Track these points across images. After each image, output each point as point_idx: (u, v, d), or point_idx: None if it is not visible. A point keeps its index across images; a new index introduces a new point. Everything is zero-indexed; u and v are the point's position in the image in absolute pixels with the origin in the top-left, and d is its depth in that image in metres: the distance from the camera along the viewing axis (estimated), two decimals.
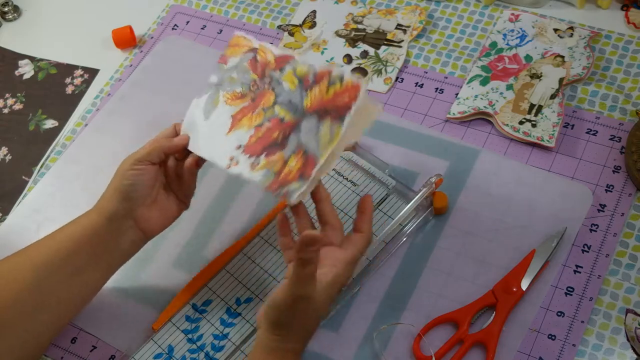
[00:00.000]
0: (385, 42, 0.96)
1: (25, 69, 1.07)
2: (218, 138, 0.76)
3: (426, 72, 0.92)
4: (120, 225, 0.74)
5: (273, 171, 0.71)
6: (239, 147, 0.74)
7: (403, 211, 0.78)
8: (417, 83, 0.92)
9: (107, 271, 0.76)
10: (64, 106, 1.01)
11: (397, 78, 0.92)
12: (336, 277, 0.67)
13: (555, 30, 0.92)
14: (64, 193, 0.92)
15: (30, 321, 0.72)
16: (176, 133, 0.78)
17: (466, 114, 0.86)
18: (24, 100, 1.03)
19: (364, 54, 0.95)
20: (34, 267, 0.72)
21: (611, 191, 0.79)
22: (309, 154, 0.70)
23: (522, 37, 0.92)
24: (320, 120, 0.70)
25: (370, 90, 0.92)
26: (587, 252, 0.76)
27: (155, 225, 0.77)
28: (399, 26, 0.97)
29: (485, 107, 0.86)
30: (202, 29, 1.04)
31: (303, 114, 0.71)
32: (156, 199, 0.76)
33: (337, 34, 0.98)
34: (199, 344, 0.76)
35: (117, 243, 0.75)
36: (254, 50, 0.77)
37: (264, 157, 0.72)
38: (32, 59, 1.08)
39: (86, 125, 0.97)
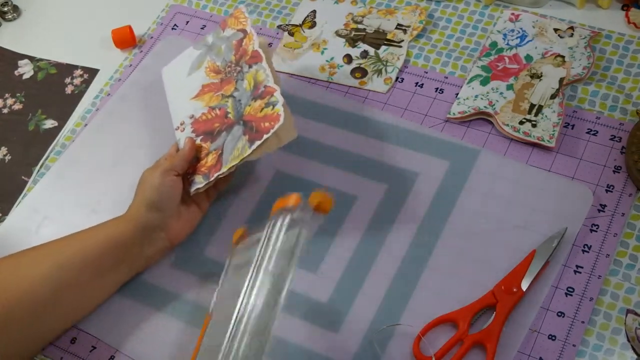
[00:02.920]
0: (385, 42, 0.96)
1: (25, 69, 1.07)
2: (184, 97, 0.87)
3: (426, 72, 0.92)
4: (151, 235, 0.78)
5: (197, 156, 0.82)
6: (191, 117, 0.85)
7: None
8: (417, 83, 0.92)
9: (125, 274, 0.79)
10: (64, 106, 1.01)
11: (397, 78, 0.92)
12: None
13: (556, 30, 0.92)
14: (63, 193, 0.92)
15: (41, 318, 0.73)
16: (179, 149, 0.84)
17: (466, 114, 0.86)
18: (23, 100, 1.03)
19: (364, 54, 0.95)
20: (53, 266, 0.74)
21: (611, 191, 0.79)
22: (221, 157, 0.79)
23: (523, 37, 0.92)
24: (244, 133, 0.78)
25: (370, 91, 0.92)
26: (588, 252, 0.76)
27: (182, 234, 0.81)
28: (399, 26, 0.97)
29: (485, 107, 0.86)
30: (202, 29, 1.04)
31: (239, 118, 0.80)
32: (181, 209, 0.80)
33: (337, 33, 0.98)
34: None
35: (143, 251, 0.78)
36: (244, 32, 0.84)
37: (199, 140, 0.83)
38: (31, 58, 1.07)
39: (86, 125, 0.97)
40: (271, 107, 0.77)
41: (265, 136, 0.75)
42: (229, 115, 0.81)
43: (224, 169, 0.78)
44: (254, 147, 0.76)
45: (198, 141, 0.82)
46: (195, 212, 0.82)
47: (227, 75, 0.84)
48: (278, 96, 0.77)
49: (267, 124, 0.76)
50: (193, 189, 0.80)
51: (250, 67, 0.82)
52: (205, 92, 0.85)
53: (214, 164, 0.79)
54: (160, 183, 0.77)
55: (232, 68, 0.84)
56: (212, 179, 0.79)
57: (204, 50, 0.88)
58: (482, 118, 0.87)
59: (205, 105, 0.84)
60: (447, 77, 0.91)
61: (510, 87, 0.87)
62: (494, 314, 0.72)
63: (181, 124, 0.85)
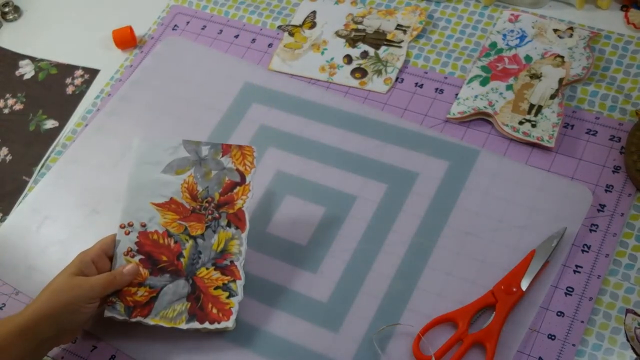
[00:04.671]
0: (385, 43, 0.96)
1: (26, 69, 1.07)
2: (146, 195, 0.77)
3: (426, 73, 0.92)
4: (42, 345, 0.70)
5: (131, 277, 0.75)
6: (144, 225, 0.76)
7: None
8: (417, 83, 0.92)
9: None
10: (65, 106, 1.01)
11: (397, 78, 0.93)
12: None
13: (555, 30, 0.92)
14: (64, 193, 0.92)
15: None
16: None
17: (466, 114, 0.87)
18: (24, 100, 1.03)
19: (364, 55, 0.95)
20: None
21: (611, 191, 0.79)
22: (152, 304, 0.74)
23: (522, 37, 0.92)
24: (187, 297, 0.74)
25: (370, 91, 0.92)
26: (587, 252, 0.76)
27: (71, 340, 0.76)
28: (399, 26, 0.97)
29: (485, 107, 0.86)
30: (203, 29, 1.04)
31: (189, 275, 0.75)
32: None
33: (337, 34, 0.98)
34: None
35: (33, 357, 0.70)
36: (243, 178, 0.78)
37: (138, 258, 0.75)
38: (32, 59, 1.08)
39: (86, 125, 0.98)
40: (227, 294, 0.73)
41: (206, 325, 0.72)
42: (182, 259, 0.75)
43: (150, 321, 0.73)
44: (190, 325, 0.72)
45: (137, 258, 0.75)
46: (88, 316, 0.73)
47: (201, 210, 0.76)
48: (240, 289, 0.74)
49: (214, 311, 0.73)
50: (109, 314, 0.74)
51: (229, 225, 0.76)
52: (170, 209, 0.77)
53: (141, 303, 0.74)
54: (80, 309, 0.70)
55: (210, 208, 0.76)
56: (133, 320, 0.73)
57: (192, 158, 0.78)
58: (481, 118, 0.87)
59: (164, 225, 0.76)
60: (446, 78, 0.91)
61: (509, 87, 0.88)
62: (493, 314, 0.72)
63: (129, 225, 0.76)
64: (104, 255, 0.75)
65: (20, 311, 0.70)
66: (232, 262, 0.74)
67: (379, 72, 0.93)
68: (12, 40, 1.11)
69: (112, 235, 0.77)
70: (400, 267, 0.78)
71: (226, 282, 0.74)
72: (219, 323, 0.72)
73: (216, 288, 0.73)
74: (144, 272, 0.75)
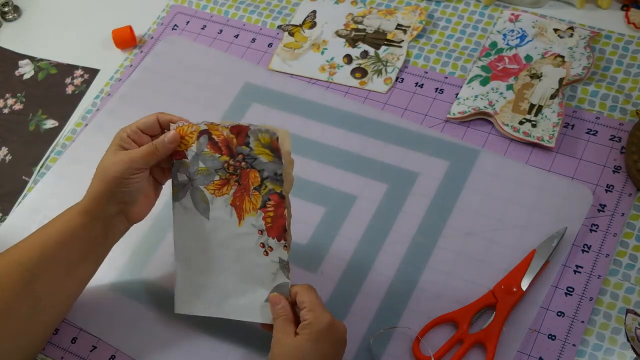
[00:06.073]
0: (385, 42, 0.96)
1: (26, 69, 1.07)
2: (231, 233, 0.73)
3: (426, 72, 0.92)
4: (111, 222, 0.74)
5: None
6: (261, 232, 0.72)
7: None
8: (417, 83, 0.92)
9: (95, 264, 0.77)
10: (64, 106, 1.01)
11: (397, 78, 0.93)
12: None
13: (555, 30, 0.92)
14: (64, 193, 0.92)
15: (24, 325, 0.72)
16: (159, 124, 0.75)
17: (466, 114, 0.86)
18: (24, 100, 1.03)
19: (364, 54, 0.95)
20: (22, 271, 0.71)
21: (611, 191, 0.79)
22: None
23: (522, 37, 0.92)
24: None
25: (370, 91, 0.92)
26: (587, 252, 0.76)
27: (143, 214, 0.76)
28: (399, 26, 0.97)
29: (485, 107, 0.86)
30: (202, 29, 1.04)
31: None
32: (143, 191, 0.75)
33: (337, 34, 0.98)
34: None
35: (106, 237, 0.75)
36: (204, 132, 0.73)
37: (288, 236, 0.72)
38: (32, 59, 1.08)
39: (86, 125, 0.97)
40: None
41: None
42: (283, 192, 0.71)
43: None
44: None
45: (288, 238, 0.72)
46: (153, 187, 0.76)
47: (237, 173, 0.72)
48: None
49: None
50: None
51: (247, 144, 0.70)
52: (241, 206, 0.72)
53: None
54: (126, 180, 0.71)
55: (233, 163, 0.72)
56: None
57: (191, 189, 0.74)
58: (482, 118, 0.87)
59: (256, 212, 0.72)
60: (447, 77, 0.91)
61: (510, 87, 0.87)
62: (493, 314, 0.72)
63: (263, 247, 0.72)
64: (140, 132, 0.74)
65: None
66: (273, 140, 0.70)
67: (379, 72, 0.93)
68: (11, 40, 1.11)
69: (152, 115, 0.76)
70: (400, 267, 0.78)
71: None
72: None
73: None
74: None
